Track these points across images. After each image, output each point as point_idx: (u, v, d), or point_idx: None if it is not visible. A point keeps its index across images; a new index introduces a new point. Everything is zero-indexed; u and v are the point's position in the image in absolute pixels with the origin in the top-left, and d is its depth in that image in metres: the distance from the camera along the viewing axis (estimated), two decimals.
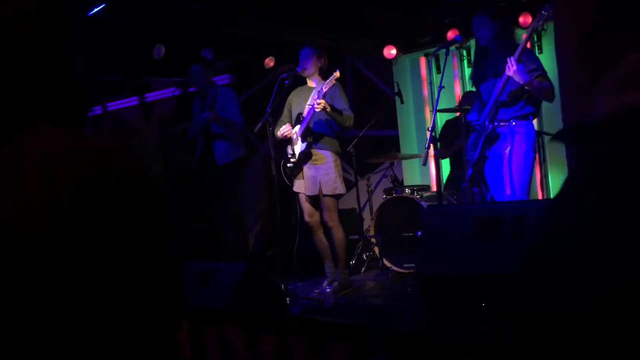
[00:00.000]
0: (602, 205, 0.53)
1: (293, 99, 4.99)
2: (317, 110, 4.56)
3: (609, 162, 0.54)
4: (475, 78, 4.40)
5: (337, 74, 4.59)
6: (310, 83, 4.92)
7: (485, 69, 4.22)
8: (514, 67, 3.84)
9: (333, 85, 4.60)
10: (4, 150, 0.90)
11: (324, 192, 4.74)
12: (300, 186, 4.87)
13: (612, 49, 0.61)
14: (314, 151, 4.79)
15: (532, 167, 4.10)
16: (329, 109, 4.56)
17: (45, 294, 0.85)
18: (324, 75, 4.89)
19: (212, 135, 5.35)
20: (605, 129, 0.57)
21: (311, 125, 4.80)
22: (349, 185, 6.12)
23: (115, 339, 0.89)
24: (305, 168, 4.82)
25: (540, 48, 5.80)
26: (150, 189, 0.95)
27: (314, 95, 4.77)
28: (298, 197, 4.95)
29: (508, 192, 4.01)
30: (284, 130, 4.83)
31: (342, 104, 4.72)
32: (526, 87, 3.94)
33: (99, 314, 0.88)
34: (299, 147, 4.86)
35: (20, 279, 0.86)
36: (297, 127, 4.86)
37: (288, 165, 4.91)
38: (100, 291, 0.88)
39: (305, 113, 4.77)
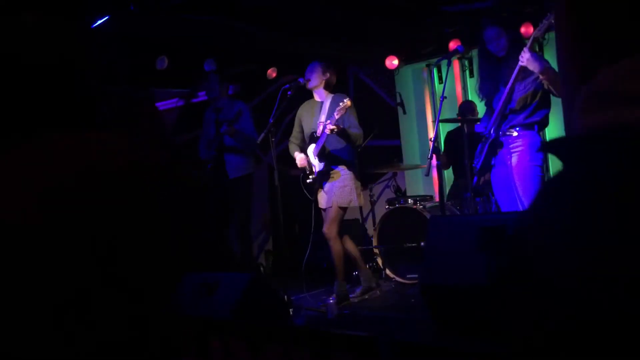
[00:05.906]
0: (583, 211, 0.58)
1: (302, 114, 5.04)
2: (328, 134, 4.66)
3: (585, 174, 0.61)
4: (485, 91, 4.16)
5: (348, 102, 4.61)
6: (316, 97, 4.94)
7: (500, 80, 4.03)
8: (527, 54, 3.68)
9: (345, 111, 4.65)
10: (15, 153, 0.92)
11: (339, 203, 4.78)
12: (320, 200, 4.95)
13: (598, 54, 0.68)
14: (329, 168, 4.88)
15: (540, 178, 3.87)
16: (340, 133, 4.68)
17: (40, 294, 0.86)
18: (331, 89, 4.91)
19: (225, 148, 5.35)
20: (577, 148, 0.64)
21: (327, 145, 4.86)
22: None
23: (109, 344, 0.90)
24: (324, 184, 4.91)
25: None
26: (152, 190, 0.96)
27: (322, 113, 4.86)
28: (320, 211, 5.00)
29: (516, 203, 3.85)
30: (300, 163, 4.95)
31: (352, 120, 4.79)
32: (541, 77, 3.74)
33: (94, 316, 0.88)
34: (317, 165, 4.92)
35: (18, 279, 0.86)
36: (313, 145, 4.91)
37: (307, 181, 4.97)
38: (94, 292, 0.88)
39: (319, 132, 4.84)
